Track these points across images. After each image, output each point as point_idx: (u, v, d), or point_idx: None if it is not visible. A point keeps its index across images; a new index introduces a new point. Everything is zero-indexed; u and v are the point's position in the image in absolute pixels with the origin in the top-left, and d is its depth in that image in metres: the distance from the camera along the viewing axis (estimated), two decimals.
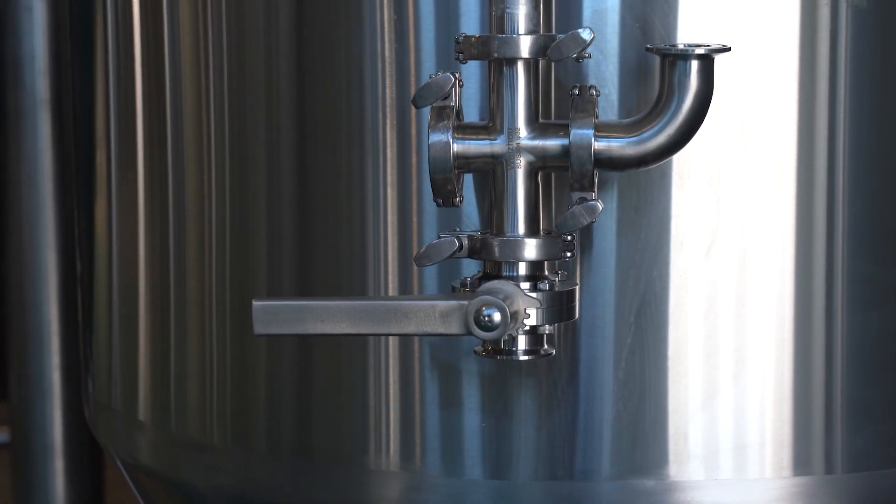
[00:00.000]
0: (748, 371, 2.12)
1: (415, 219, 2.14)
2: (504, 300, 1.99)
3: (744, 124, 2.04)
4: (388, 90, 2.09)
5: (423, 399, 2.19)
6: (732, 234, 2.10)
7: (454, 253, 2.06)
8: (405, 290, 2.10)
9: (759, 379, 2.12)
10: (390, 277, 2.17)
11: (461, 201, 2.08)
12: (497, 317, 2.05)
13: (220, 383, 2.21)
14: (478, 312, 2.01)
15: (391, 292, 2.10)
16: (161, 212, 2.21)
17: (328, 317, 2.03)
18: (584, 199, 2.03)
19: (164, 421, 2.24)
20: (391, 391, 2.21)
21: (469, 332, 2.05)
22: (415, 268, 2.14)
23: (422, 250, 2.05)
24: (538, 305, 2.07)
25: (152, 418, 2.27)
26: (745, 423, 2.14)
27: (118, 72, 2.24)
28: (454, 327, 2.04)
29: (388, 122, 2.09)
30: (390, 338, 2.10)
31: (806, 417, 2.10)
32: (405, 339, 2.09)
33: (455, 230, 2.19)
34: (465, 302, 2.04)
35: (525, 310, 2.10)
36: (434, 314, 2.06)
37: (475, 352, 2.13)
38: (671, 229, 2.16)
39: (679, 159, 2.06)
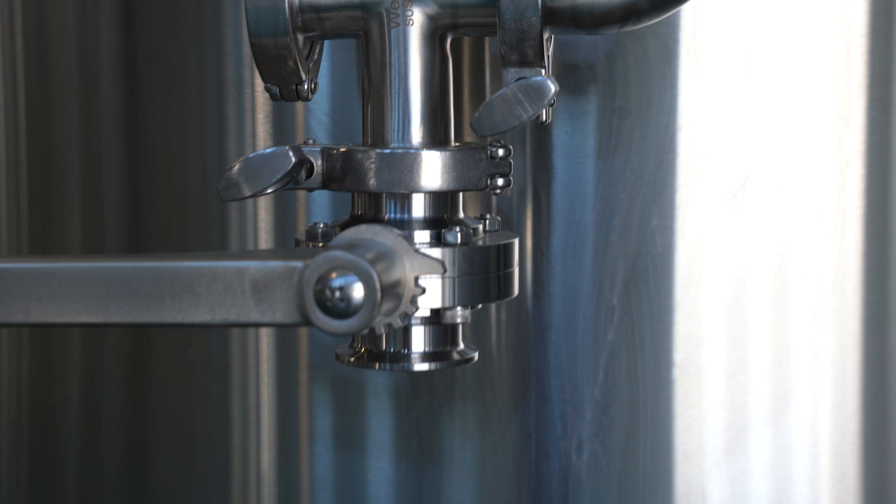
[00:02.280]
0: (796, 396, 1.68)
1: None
2: (373, 261, 1.32)
3: None
4: None
5: None
6: (782, 158, 1.67)
7: (291, 176, 1.43)
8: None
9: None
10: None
11: (313, 91, 1.54)
12: (356, 291, 1.32)
13: None
14: (322, 283, 1.32)
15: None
16: None
17: (50, 291, 1.33)
18: (523, 78, 1.39)
19: None
20: None
21: (306, 321, 1.33)
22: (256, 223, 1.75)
23: (231, 169, 1.42)
24: (440, 271, 1.37)
25: None
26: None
27: None
28: (279, 311, 1.33)
29: None
30: None
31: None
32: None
33: (306, 142, 1.57)
34: (299, 263, 1.36)
35: (416, 280, 1.39)
36: (242, 286, 1.34)
37: (337, 356, 1.55)
38: (678, 147, 1.66)
39: (694, 26, 1.64)
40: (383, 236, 1.40)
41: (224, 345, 1.79)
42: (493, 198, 1.72)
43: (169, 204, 1.83)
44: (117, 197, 1.87)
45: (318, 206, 1.76)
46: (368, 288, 1.31)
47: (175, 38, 1.83)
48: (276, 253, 1.37)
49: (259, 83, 1.71)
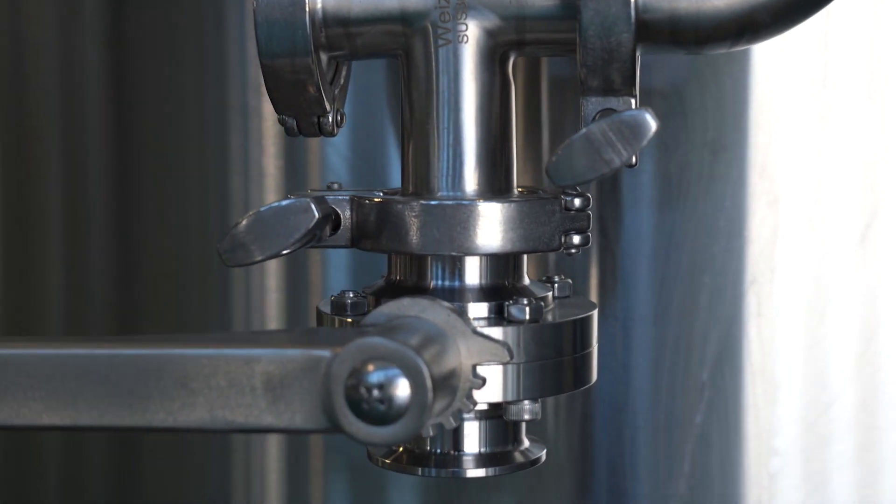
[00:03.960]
0: None
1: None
2: (421, 347, 1.03)
3: None
4: None
5: None
6: None
7: (314, 234, 1.14)
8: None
9: None
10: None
11: (339, 125, 1.24)
12: (400, 389, 1.03)
13: None
14: (356, 378, 1.04)
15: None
16: None
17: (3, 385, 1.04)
18: (611, 112, 1.11)
19: None
20: None
21: (335, 427, 1.04)
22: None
23: (237, 225, 1.15)
24: (506, 358, 1.08)
25: None
26: None
27: None
28: (299, 413, 1.04)
29: None
30: None
31: None
32: None
33: (330, 187, 1.29)
34: (326, 352, 1.05)
35: (475, 368, 1.09)
36: (252, 381, 1.04)
37: (368, 455, 1.26)
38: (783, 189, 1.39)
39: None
40: (432, 313, 1.09)
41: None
42: (553, 254, 1.42)
43: (163, 258, 1.53)
44: (103, 256, 1.58)
45: (339, 258, 1.46)
46: (417, 385, 1.01)
47: (170, 57, 1.53)
48: (294, 337, 1.06)
49: (269, 111, 1.41)
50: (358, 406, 1.02)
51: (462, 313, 1.10)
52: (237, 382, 1.04)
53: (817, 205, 1.40)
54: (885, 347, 1.43)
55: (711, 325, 1.41)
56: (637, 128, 1.05)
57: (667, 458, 1.42)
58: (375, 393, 1.02)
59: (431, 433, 1.10)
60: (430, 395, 1.01)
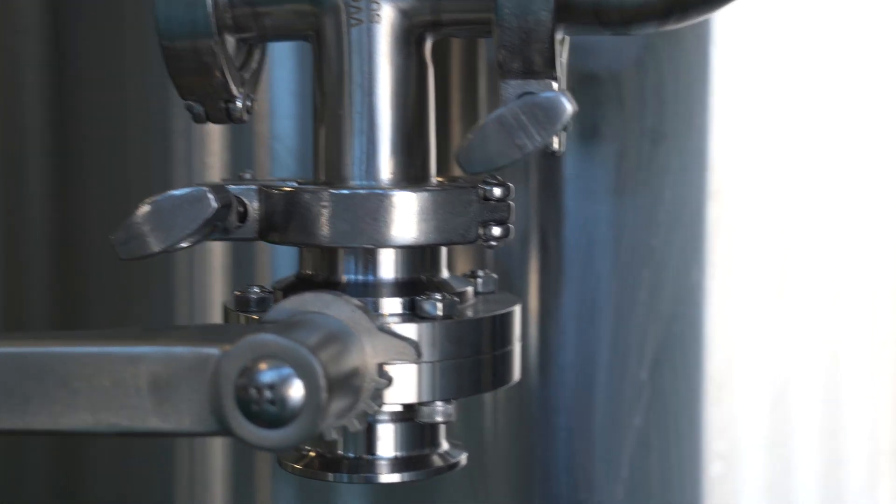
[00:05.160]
0: None
1: None
2: (318, 346, 0.96)
3: None
4: None
5: None
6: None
7: (213, 225, 1.07)
8: None
9: None
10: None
11: (250, 111, 1.17)
12: (293, 389, 0.96)
13: None
14: (246, 378, 0.97)
15: None
16: None
17: None
18: (528, 94, 1.02)
19: None
20: None
21: (224, 430, 0.97)
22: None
23: (134, 214, 1.08)
24: (413, 357, 1.03)
25: None
26: None
27: None
28: (187, 416, 0.97)
29: None
30: None
31: None
32: None
33: (241, 177, 1.23)
34: (215, 350, 0.99)
35: (381, 367, 1.03)
36: (137, 381, 0.97)
37: (279, 461, 1.17)
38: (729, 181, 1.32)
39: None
40: (336, 308, 1.02)
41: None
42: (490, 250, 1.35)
43: (106, 255, 1.47)
44: (45, 254, 1.52)
45: (288, 249, 1.40)
46: (310, 386, 0.94)
47: (112, 52, 1.47)
48: (184, 334, 0.99)
49: None
50: (248, 407, 0.96)
51: (367, 309, 1.03)
52: (121, 383, 0.97)
53: (761, 196, 1.33)
54: (837, 341, 1.36)
55: (651, 323, 1.35)
56: (551, 111, 0.99)
57: (604, 463, 1.36)
58: (267, 393, 0.95)
59: (335, 436, 1.03)
60: (323, 395, 0.94)
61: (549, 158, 1.32)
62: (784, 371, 1.37)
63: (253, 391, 0.95)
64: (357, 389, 1.02)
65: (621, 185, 1.34)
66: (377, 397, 1.03)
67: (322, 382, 0.94)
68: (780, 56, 1.35)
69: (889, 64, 1.36)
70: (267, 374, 0.95)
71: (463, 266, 1.38)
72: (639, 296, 1.35)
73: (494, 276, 1.22)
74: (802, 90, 1.35)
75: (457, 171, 1.34)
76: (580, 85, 1.34)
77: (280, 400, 0.95)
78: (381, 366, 1.03)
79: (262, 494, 1.47)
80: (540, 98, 0.99)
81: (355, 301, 1.04)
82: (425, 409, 1.09)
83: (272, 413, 0.95)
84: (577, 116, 1.32)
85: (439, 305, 1.09)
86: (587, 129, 1.34)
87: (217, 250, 1.46)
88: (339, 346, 1.00)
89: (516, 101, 1.00)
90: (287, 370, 0.95)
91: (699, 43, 1.33)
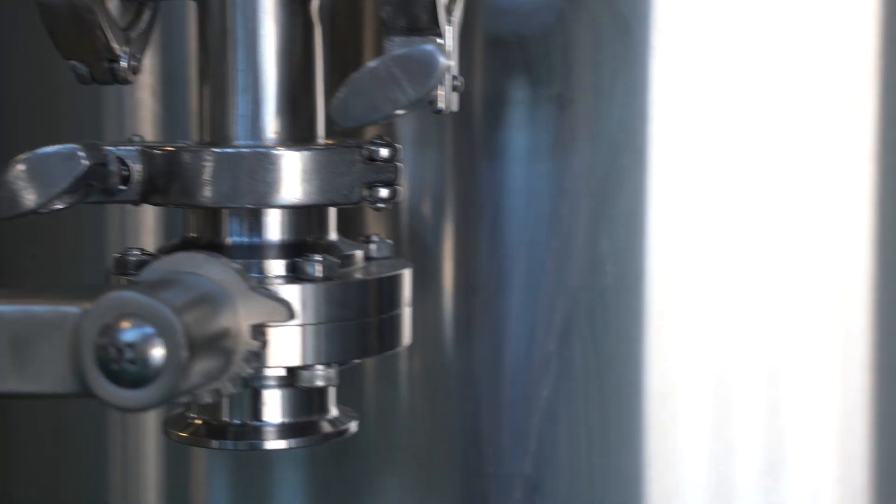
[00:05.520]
0: None
1: None
2: (184, 307, 0.94)
3: None
4: None
5: None
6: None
7: (89, 185, 1.04)
8: None
9: None
10: None
11: (136, 71, 1.13)
12: (154, 349, 0.93)
13: None
14: (107, 337, 0.94)
15: None
16: None
17: None
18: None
19: None
20: None
21: (85, 391, 0.94)
22: None
23: (7, 171, 1.05)
24: (285, 318, 0.99)
25: None
26: None
27: None
28: (47, 376, 0.93)
29: None
30: None
31: None
32: None
33: (130, 139, 1.19)
34: (75, 309, 0.96)
35: (255, 329, 1.00)
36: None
37: (165, 431, 1.16)
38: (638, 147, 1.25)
39: None
40: (208, 269, 1.00)
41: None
42: (405, 214, 1.32)
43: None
44: None
45: None
46: (171, 345, 0.91)
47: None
48: (48, 292, 0.97)
49: (145, 82, 1.33)
50: (108, 367, 0.93)
51: (241, 270, 1.01)
52: None
53: (670, 156, 1.31)
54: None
55: (559, 293, 1.32)
56: (424, 65, 0.96)
57: (511, 436, 1.33)
58: (127, 353, 0.93)
59: (209, 399, 1.01)
60: (183, 354, 0.92)
61: (465, 123, 1.29)
62: (692, 345, 1.35)
63: (113, 350, 0.93)
64: (229, 351, 0.99)
65: (529, 152, 1.31)
66: (251, 359, 1.01)
67: (182, 341, 0.92)
68: (700, 22, 1.33)
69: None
70: (127, 333, 0.93)
71: (374, 230, 1.36)
72: (547, 265, 1.32)
73: (390, 241, 1.20)
74: (720, 62, 1.33)
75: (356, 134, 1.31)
76: (489, 49, 1.32)
77: (140, 359, 0.92)
78: (254, 328, 1.01)
79: (197, 494, 1.45)
80: (413, 51, 0.97)
81: (228, 262, 1.01)
82: (305, 374, 1.07)
83: (132, 373, 0.93)
84: (485, 80, 1.31)
85: (318, 267, 1.06)
86: (494, 93, 1.32)
87: (149, 210, 1.44)
88: (207, 307, 0.97)
89: (389, 55, 0.97)
90: (148, 329, 0.93)
91: (606, 5, 1.31)
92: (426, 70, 0.97)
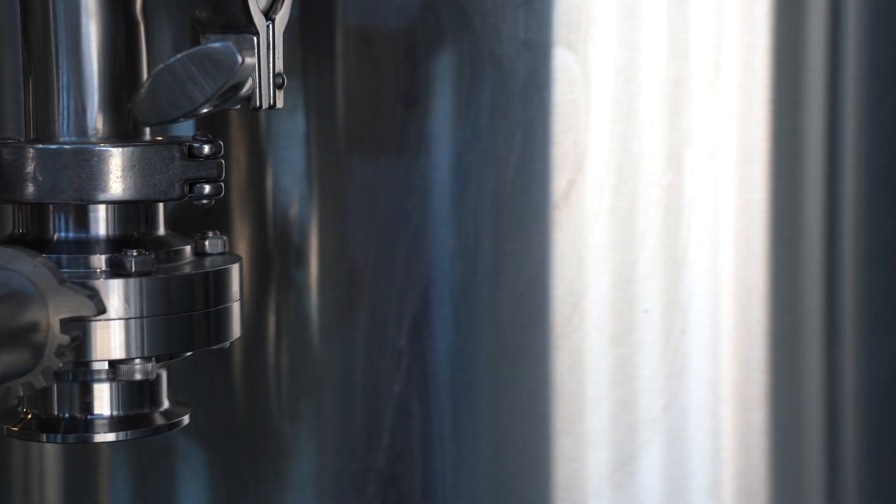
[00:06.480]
0: None
1: None
2: None
3: None
4: None
5: None
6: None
7: None
8: None
9: None
10: None
11: None
12: None
13: None
14: None
15: None
16: None
17: None
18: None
19: None
20: None
21: None
22: None
23: None
24: (90, 312, 1.01)
25: None
26: None
27: None
28: None
29: None
30: None
31: None
32: None
33: None
34: None
35: (65, 323, 1.00)
36: None
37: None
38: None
39: None
40: (19, 263, 1.01)
41: None
42: (272, 212, 1.33)
43: None
44: None
45: None
46: None
47: None
48: None
49: None
50: None
51: (51, 265, 1.02)
52: None
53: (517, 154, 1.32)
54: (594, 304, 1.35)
55: (409, 288, 1.34)
56: (219, 62, 0.97)
57: (364, 431, 1.34)
58: None
59: (21, 393, 1.02)
60: None
61: (326, 119, 1.30)
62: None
63: None
64: (38, 345, 1.00)
65: (375, 150, 1.32)
66: (61, 353, 1.02)
67: None
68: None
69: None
70: None
71: (240, 226, 1.37)
72: (396, 261, 1.34)
73: (224, 237, 1.21)
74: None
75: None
76: (350, 44, 1.33)
77: None
78: (64, 322, 1.02)
79: (101, 493, 1.46)
80: (209, 48, 0.98)
81: (38, 256, 1.02)
82: (124, 367, 1.08)
83: None
84: (345, 76, 1.31)
85: (134, 261, 1.07)
86: (343, 90, 1.33)
87: None
88: (14, 303, 0.98)
89: (186, 52, 0.99)
90: None
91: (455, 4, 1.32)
92: (223, 67, 0.98)
